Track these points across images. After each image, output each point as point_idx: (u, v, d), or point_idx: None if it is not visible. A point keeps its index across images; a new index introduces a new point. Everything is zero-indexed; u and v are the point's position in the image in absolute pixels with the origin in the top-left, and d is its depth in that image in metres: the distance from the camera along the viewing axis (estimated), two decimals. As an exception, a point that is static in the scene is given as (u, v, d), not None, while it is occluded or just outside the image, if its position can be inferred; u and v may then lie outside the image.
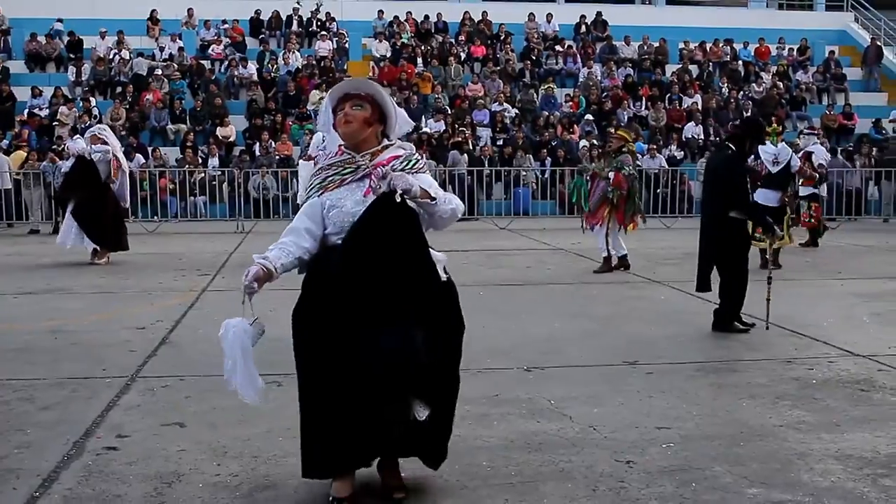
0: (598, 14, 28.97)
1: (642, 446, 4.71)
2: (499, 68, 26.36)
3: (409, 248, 3.74)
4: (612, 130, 15.11)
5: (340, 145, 3.95)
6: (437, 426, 3.88)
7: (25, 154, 19.50)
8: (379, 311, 3.65)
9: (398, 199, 3.65)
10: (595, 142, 22.06)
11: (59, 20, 26.51)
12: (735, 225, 7.74)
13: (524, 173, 21.57)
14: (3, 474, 4.28)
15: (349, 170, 3.86)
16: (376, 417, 3.71)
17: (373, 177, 3.75)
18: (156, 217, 18.97)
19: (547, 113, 24.46)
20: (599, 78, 26.31)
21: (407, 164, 3.87)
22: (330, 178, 3.87)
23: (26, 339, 7.42)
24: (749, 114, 23.02)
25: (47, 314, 8.61)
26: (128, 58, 25.30)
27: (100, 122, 22.33)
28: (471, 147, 21.92)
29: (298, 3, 27.87)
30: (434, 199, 3.81)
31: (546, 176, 21.41)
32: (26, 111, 23.03)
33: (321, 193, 3.87)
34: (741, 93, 26.27)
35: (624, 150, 11.57)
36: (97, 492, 4.09)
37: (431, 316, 3.76)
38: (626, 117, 24.65)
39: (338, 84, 4.01)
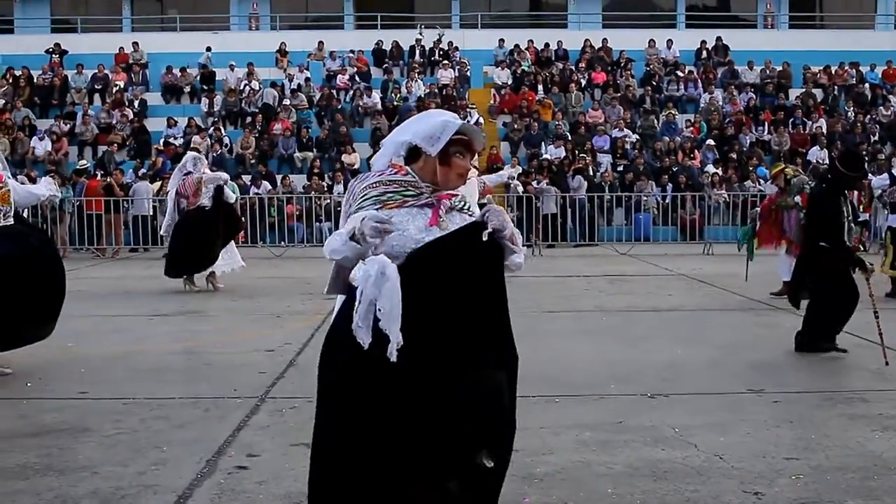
0: (719, 39, 28.51)
1: (771, 477, 4.61)
2: (619, 94, 26.19)
3: (486, 289, 3.33)
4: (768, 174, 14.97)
5: (398, 164, 3.53)
6: (496, 478, 3.43)
7: (162, 182, 20.29)
8: (449, 352, 3.20)
9: (485, 237, 3.24)
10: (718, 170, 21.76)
11: (209, 48, 27.63)
12: (825, 253, 7.63)
13: (645, 199, 21.33)
14: (141, 490, 4.45)
15: (412, 192, 3.41)
16: (430, 473, 3.23)
17: (442, 207, 3.39)
18: (283, 242, 19.47)
19: (668, 138, 24.16)
20: (721, 103, 25.85)
21: (463, 205, 3.51)
22: (390, 195, 3.40)
23: (161, 359, 7.72)
24: (874, 138, 22.31)
25: (181, 336, 8.94)
26: (257, 88, 26.14)
27: (230, 151, 23.17)
28: (591, 173, 21.83)
29: (421, 34, 28.35)
30: (517, 248, 3.38)
31: (667, 202, 21.13)
32: (162, 140, 24.04)
33: (379, 208, 3.36)
34: (868, 117, 25.42)
35: (789, 177, 11.44)
36: (229, 509, 4.22)
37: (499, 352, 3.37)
38: (748, 142, 24.16)
39: (471, 128, 3.55)
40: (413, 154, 3.50)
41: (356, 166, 23.00)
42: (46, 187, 8.02)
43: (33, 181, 16.79)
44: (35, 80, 26.78)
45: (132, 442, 5.27)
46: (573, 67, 27.44)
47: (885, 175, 15.34)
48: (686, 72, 27.23)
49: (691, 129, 24.70)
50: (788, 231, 11.24)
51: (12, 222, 7.29)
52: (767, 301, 11.00)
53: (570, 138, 23.77)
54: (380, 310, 3.10)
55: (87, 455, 5.02)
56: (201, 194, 12.37)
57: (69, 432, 5.47)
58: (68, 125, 24.57)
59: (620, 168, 22.86)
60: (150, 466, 4.81)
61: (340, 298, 3.51)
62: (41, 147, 23.53)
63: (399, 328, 3.10)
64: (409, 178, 3.45)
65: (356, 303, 3.15)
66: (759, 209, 12.13)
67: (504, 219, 3.30)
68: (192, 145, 23.14)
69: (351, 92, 26.42)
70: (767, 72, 27.17)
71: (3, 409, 6.12)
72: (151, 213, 19.37)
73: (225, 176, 13.33)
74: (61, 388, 6.69)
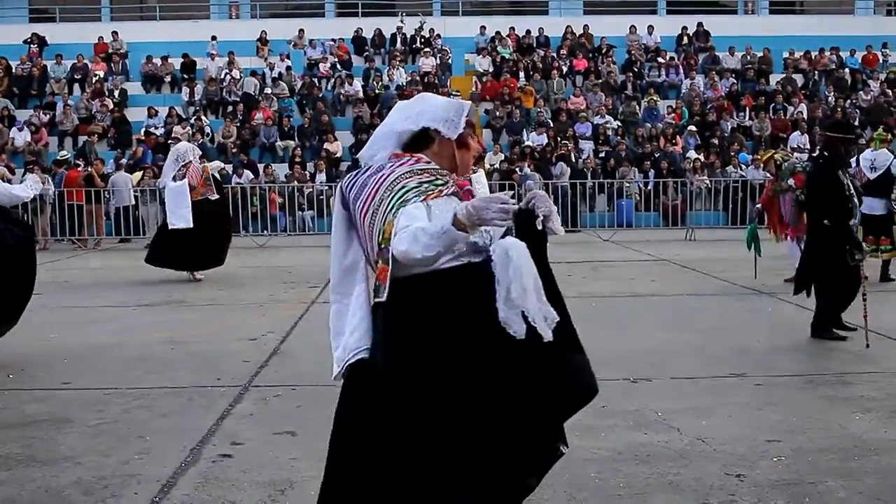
0: (700, 25, 28.55)
1: (752, 459, 4.65)
2: (600, 81, 26.22)
3: (543, 275, 3.07)
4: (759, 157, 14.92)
5: (407, 153, 3.25)
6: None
7: (142, 172, 20.19)
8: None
9: (540, 226, 3.06)
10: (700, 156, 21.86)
11: (213, 38, 27.44)
12: (828, 234, 7.60)
13: (627, 185, 21.38)
14: (125, 479, 4.45)
15: (441, 182, 3.18)
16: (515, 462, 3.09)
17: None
18: (265, 231, 19.42)
19: (649, 125, 24.22)
20: (702, 89, 25.91)
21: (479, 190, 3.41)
22: (426, 186, 3.13)
23: (144, 349, 7.70)
24: (854, 123, 22.37)
25: (164, 325, 8.92)
26: (238, 77, 26.02)
27: (211, 140, 23.07)
28: (573, 159, 21.87)
29: (402, 21, 28.28)
30: (561, 232, 3.19)
31: (649, 188, 21.18)
32: (143, 130, 23.90)
33: (423, 199, 3.09)
34: (848, 101, 25.54)
35: (779, 162, 11.44)
36: (213, 497, 4.22)
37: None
38: (729, 128, 24.23)
39: (471, 108, 3.37)
40: (420, 141, 3.24)
41: (338, 154, 22.98)
42: (31, 187, 7.85)
43: (13, 172, 16.69)
44: (13, 71, 26.54)
45: (115, 432, 5.27)
46: (554, 54, 27.44)
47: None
48: (667, 58, 27.26)
49: (673, 115, 24.76)
50: (786, 216, 11.25)
51: None
52: (750, 286, 11.05)
53: (551, 125, 23.79)
54: (514, 294, 2.90)
55: (70, 445, 5.02)
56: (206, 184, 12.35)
57: (52, 423, 5.46)
58: (48, 115, 24.36)
59: (602, 154, 22.90)
60: (134, 456, 4.81)
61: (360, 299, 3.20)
62: (20, 138, 23.35)
63: (547, 302, 2.95)
64: (434, 167, 3.21)
65: (499, 291, 2.91)
66: (759, 205, 12.05)
67: (550, 204, 3.11)
68: (172, 135, 23.10)
69: (332, 80, 26.34)
70: (748, 57, 27.25)
71: (-16, 401, 6.11)
72: (133, 203, 19.27)
73: (221, 165, 13.29)
74: (44, 378, 6.67)
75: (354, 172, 3.27)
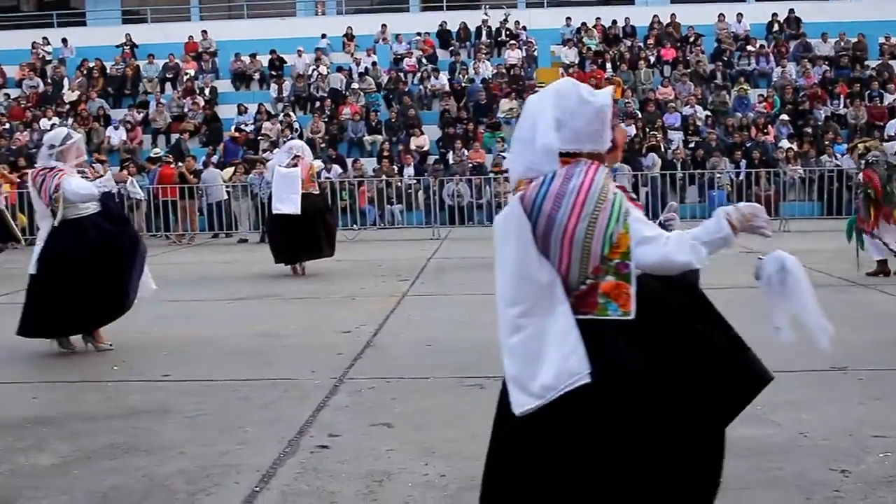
0: (791, 11, 27.81)
1: (857, 455, 4.51)
2: (689, 70, 25.78)
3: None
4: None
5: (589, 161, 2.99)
6: None
7: (233, 168, 20.54)
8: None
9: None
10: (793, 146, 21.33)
11: (324, 35, 27.84)
12: None
13: (718, 175, 20.99)
14: (226, 469, 4.53)
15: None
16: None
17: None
18: (355, 225, 19.59)
19: (740, 114, 23.72)
20: (794, 77, 25.27)
21: None
22: (621, 192, 2.92)
23: (240, 342, 7.81)
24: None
25: (259, 319, 9.04)
26: (325, 73, 26.29)
27: (300, 135, 23.30)
28: (662, 150, 21.57)
29: (486, 14, 28.23)
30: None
31: (741, 178, 20.75)
32: (233, 127, 24.31)
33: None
34: (948, 87, 24.64)
35: (861, 152, 11.13)
36: (312, 488, 4.26)
37: None
38: (823, 116, 23.60)
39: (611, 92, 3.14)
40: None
41: (425, 148, 23.05)
42: (101, 184, 7.91)
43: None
44: (108, 71, 27.28)
45: (215, 422, 5.35)
46: (641, 44, 27.07)
47: None
48: (757, 46, 26.65)
49: (764, 104, 24.19)
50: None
51: (90, 212, 7.49)
52: (850, 278, 10.75)
53: (640, 116, 23.49)
54: (794, 306, 2.92)
55: (172, 435, 5.12)
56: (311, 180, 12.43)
57: (154, 413, 5.58)
58: (141, 114, 25.00)
59: (692, 145, 22.51)
60: (234, 446, 4.88)
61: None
62: (116, 136, 24.04)
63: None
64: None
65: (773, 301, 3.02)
66: (866, 192, 11.52)
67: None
68: (262, 131, 23.49)
69: (418, 74, 26.43)
70: (842, 44, 26.48)
71: (91, 392, 6.28)
72: (226, 199, 19.60)
73: (322, 165, 13.40)
74: (145, 370, 6.82)
75: (538, 183, 2.88)
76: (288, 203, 11.88)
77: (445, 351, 7.16)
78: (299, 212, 11.79)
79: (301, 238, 12.05)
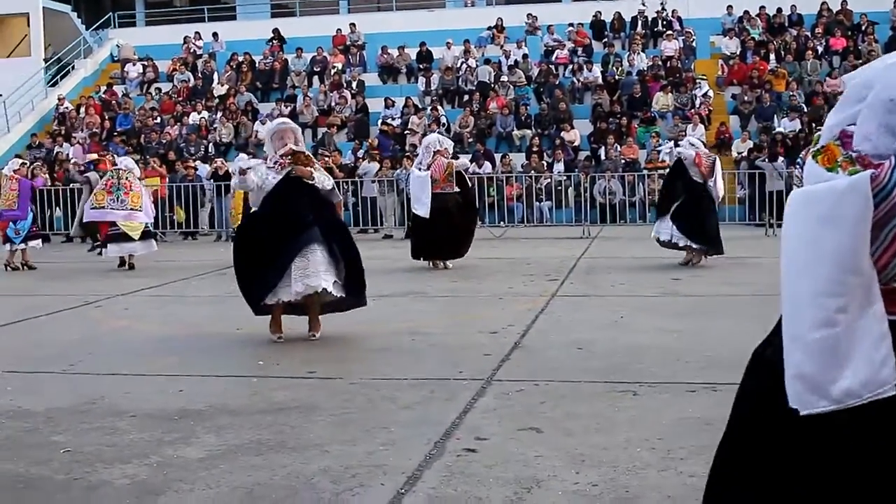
0: (976, -7, 26.12)
1: None
2: (861, 61, 24.44)
3: None
4: None
5: None
6: None
7: (379, 163, 20.66)
8: None
9: None
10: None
11: (490, 27, 27.82)
12: None
13: (892, 174, 19.84)
14: (371, 469, 4.42)
15: None
16: None
17: None
18: (502, 222, 19.42)
19: (917, 107, 22.37)
20: (978, 65, 23.65)
21: None
22: None
23: (386, 339, 7.74)
24: None
25: (404, 316, 8.99)
26: (474, 66, 26.20)
27: (447, 129, 23.27)
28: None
29: (643, 3, 27.56)
30: None
31: (916, 176, 19.54)
32: (380, 121, 24.46)
33: None
34: None
35: None
36: (459, 492, 4.11)
37: None
38: None
39: None
40: None
41: (576, 143, 22.67)
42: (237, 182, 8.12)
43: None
44: (256, 65, 27.89)
45: (361, 421, 5.26)
46: (808, 33, 25.85)
47: None
48: (937, 33, 25.13)
49: (944, 95, 22.72)
50: None
51: None
52: None
53: (805, 110, 22.44)
54: None
55: (318, 433, 5.05)
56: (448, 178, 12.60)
57: (299, 410, 5.53)
58: (289, 108, 25.18)
59: (863, 140, 21.35)
60: (379, 446, 4.78)
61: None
62: (264, 130, 24.29)
63: None
64: None
65: None
66: None
67: None
68: (409, 125, 23.57)
69: (570, 67, 26.01)
70: None
71: (236, 387, 6.30)
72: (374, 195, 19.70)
73: (468, 164, 13.47)
74: (290, 367, 6.80)
75: (892, 165, 2.49)
76: (420, 205, 12.51)
77: (597, 354, 6.90)
78: (427, 215, 12.33)
79: (436, 237, 12.44)
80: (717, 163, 12.65)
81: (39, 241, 14.78)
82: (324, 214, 7.68)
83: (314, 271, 7.38)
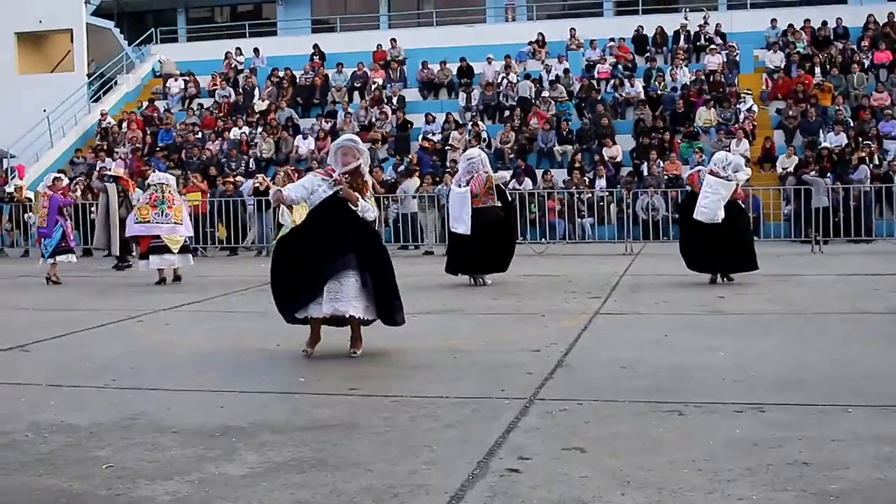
0: None
1: None
2: (907, 75, 24.12)
3: None
4: None
5: None
6: None
7: (419, 179, 20.63)
8: None
9: None
10: None
11: (534, 40, 27.62)
12: None
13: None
14: (414, 489, 4.37)
15: None
16: None
17: None
18: (544, 239, 19.30)
19: (965, 121, 22.00)
20: None
21: None
22: None
23: (427, 356, 7.70)
24: None
25: (445, 334, 8.93)
26: (514, 81, 26.12)
27: (489, 145, 23.18)
28: (877, 161, 20.19)
29: (686, 17, 27.39)
30: None
31: (966, 192, 19.19)
32: (420, 136, 24.44)
33: None
34: None
35: None
36: (503, 513, 4.04)
37: None
38: None
39: None
40: None
41: (618, 159, 22.53)
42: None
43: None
44: (297, 80, 28.03)
45: (403, 440, 5.22)
46: (854, 47, 25.55)
47: None
48: None
49: None
50: None
51: None
52: None
53: (852, 125, 22.13)
54: None
55: (360, 451, 5.01)
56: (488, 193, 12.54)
57: (341, 428, 5.49)
58: (329, 123, 25.35)
59: (911, 155, 20.99)
60: (422, 465, 4.73)
61: None
62: (304, 146, 24.40)
63: None
64: None
65: None
66: None
67: None
68: (450, 141, 23.53)
69: (612, 81, 25.87)
70: None
71: (278, 403, 6.28)
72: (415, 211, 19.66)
73: (507, 177, 13.43)
74: (331, 383, 6.78)
75: None
76: (459, 223, 12.50)
77: (641, 374, 6.79)
78: (468, 232, 12.31)
79: (479, 252, 12.42)
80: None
81: (72, 255, 14.91)
82: (364, 241, 7.65)
83: (345, 297, 7.43)
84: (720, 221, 11.73)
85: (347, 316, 7.47)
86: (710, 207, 11.81)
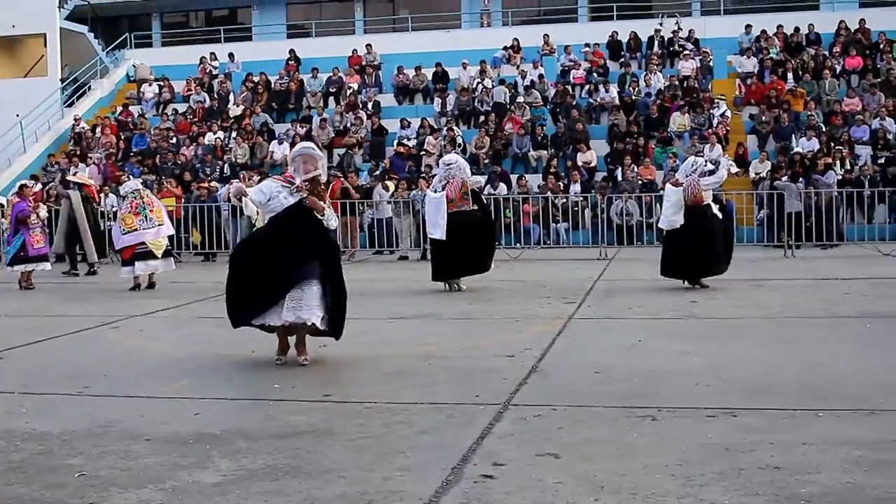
0: None
1: None
2: (879, 80, 24.33)
3: None
4: None
5: None
6: None
7: (395, 184, 20.61)
8: None
9: None
10: None
11: (511, 46, 27.62)
12: None
13: (911, 194, 19.69)
14: (388, 495, 4.37)
15: None
16: None
17: None
18: (518, 244, 19.33)
19: (938, 126, 22.20)
20: None
21: None
22: None
23: (402, 362, 7.69)
24: None
25: (420, 339, 8.93)
26: (489, 87, 26.14)
27: (464, 150, 23.20)
28: (848, 166, 20.38)
29: (661, 23, 27.54)
30: None
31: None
32: (395, 142, 24.44)
33: None
34: None
35: None
36: (477, 520, 4.05)
37: None
38: None
39: None
40: None
41: (593, 164, 22.60)
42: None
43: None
44: (272, 86, 27.96)
45: (377, 446, 5.21)
46: (826, 53, 25.78)
47: None
48: (956, 53, 24.94)
49: (968, 115, 22.52)
50: None
51: None
52: None
53: (823, 129, 22.31)
54: None
55: (334, 458, 5.00)
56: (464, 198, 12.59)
57: (315, 434, 5.49)
58: (304, 129, 25.24)
59: (882, 160, 21.17)
60: (396, 472, 4.73)
61: None
62: (279, 151, 24.14)
63: None
64: None
65: None
66: None
67: None
68: (425, 146, 23.54)
69: (586, 87, 25.98)
70: None
71: (252, 410, 6.27)
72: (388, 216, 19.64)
73: (482, 181, 13.46)
74: (305, 390, 6.76)
75: None
76: (436, 228, 12.57)
77: (615, 379, 6.82)
78: (444, 237, 12.35)
79: (459, 256, 12.43)
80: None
81: (45, 263, 14.82)
82: (326, 251, 7.71)
83: (307, 305, 7.45)
84: (679, 227, 11.94)
85: (310, 324, 7.47)
86: (664, 214, 12.36)
